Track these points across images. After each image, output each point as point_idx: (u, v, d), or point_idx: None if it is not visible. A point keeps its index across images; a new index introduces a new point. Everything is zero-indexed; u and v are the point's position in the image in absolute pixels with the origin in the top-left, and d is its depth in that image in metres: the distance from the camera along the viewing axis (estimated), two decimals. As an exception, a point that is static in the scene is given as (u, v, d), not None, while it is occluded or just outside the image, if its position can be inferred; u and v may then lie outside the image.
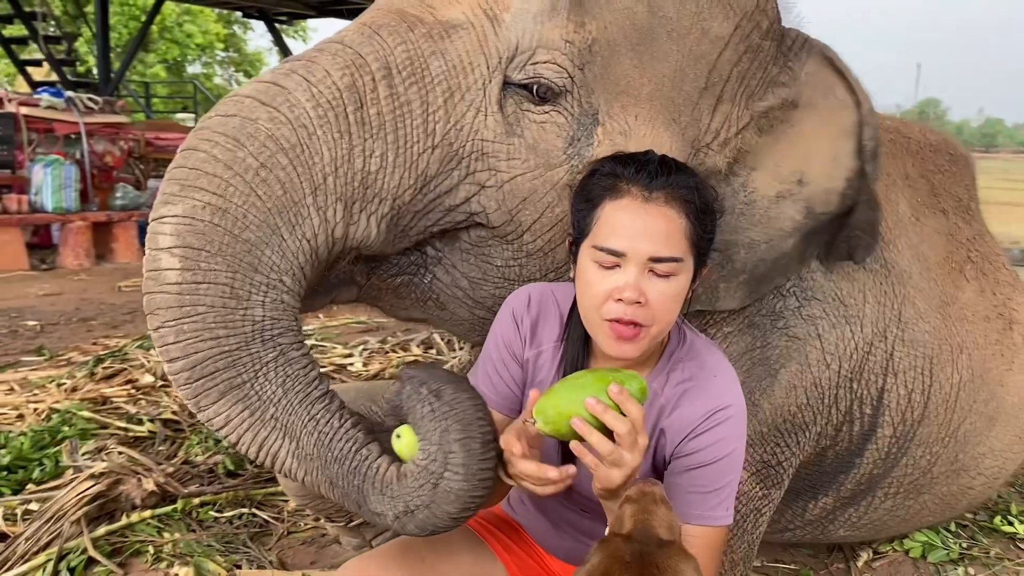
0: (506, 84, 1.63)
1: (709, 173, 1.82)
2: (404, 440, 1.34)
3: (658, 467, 1.50)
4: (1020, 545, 2.78)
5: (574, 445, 1.24)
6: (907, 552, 2.64)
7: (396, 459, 1.36)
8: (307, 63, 1.53)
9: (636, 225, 1.32)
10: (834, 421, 2.15)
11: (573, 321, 1.48)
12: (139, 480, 2.75)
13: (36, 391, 4.01)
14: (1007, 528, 2.83)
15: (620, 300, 1.31)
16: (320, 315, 5.82)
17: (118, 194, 8.55)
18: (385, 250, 1.65)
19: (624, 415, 1.22)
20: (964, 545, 2.71)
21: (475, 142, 1.62)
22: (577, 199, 1.44)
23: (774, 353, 2.01)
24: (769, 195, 1.87)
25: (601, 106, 1.67)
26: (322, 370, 4.08)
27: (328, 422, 1.39)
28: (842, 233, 1.96)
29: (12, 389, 4.07)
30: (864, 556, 2.64)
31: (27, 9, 11.30)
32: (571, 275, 1.45)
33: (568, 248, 1.47)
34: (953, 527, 2.80)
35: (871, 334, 2.13)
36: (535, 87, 1.63)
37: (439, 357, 4.74)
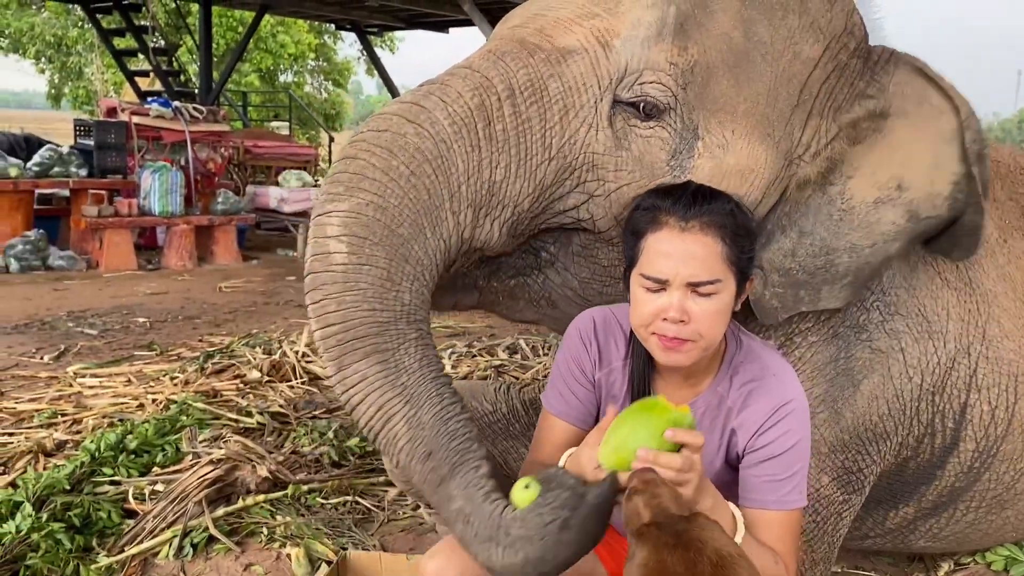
0: (615, 102, 1.79)
1: (804, 182, 1.94)
2: (528, 493, 1.45)
3: (731, 463, 1.64)
4: (1107, 564, 2.77)
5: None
6: (989, 565, 2.67)
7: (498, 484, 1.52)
8: (442, 86, 1.72)
9: (675, 253, 1.46)
10: (915, 432, 2.23)
11: (635, 339, 1.62)
12: (253, 467, 2.99)
13: (152, 383, 4.33)
14: (1093, 548, 2.83)
15: (666, 320, 1.46)
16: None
17: (219, 199, 9.00)
18: (505, 250, 1.83)
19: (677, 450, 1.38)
20: (1048, 562, 2.72)
21: (587, 155, 1.78)
22: (625, 232, 1.60)
23: (857, 364, 2.10)
24: (867, 200, 1.96)
25: (701, 122, 1.81)
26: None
27: (451, 403, 1.56)
28: (947, 231, 2.04)
29: (130, 381, 4.41)
30: (945, 567, 2.68)
31: (137, 23, 11.93)
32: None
33: (623, 275, 1.60)
34: (1036, 544, 2.81)
35: (954, 350, 2.20)
36: (642, 104, 1.79)
37: (524, 362, 4.90)
